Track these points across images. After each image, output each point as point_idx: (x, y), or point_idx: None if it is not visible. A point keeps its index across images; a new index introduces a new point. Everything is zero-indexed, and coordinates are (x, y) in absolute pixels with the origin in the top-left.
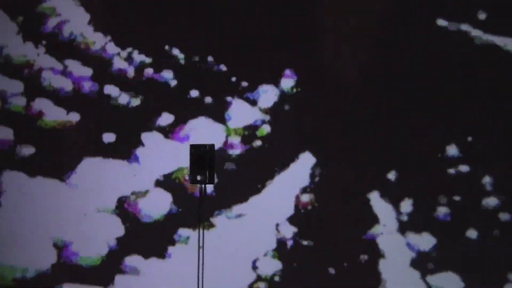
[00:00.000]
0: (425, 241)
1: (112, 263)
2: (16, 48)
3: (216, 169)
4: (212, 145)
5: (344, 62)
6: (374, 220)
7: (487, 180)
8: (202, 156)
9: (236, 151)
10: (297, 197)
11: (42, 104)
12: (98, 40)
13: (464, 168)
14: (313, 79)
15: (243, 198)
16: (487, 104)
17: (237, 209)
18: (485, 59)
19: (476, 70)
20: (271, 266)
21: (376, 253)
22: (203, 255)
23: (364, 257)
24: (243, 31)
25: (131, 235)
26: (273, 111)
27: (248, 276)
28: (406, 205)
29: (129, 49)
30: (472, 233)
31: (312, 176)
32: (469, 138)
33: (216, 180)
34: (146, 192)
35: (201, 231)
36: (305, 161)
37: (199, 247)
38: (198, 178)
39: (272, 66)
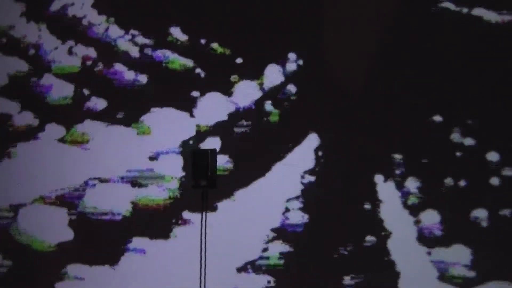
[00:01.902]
0: (431, 217)
1: (118, 243)
2: (20, 29)
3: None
4: (214, 150)
5: (349, 44)
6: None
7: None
8: (204, 161)
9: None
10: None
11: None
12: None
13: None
14: (318, 60)
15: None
16: (492, 84)
17: (241, 191)
18: (491, 40)
19: (482, 52)
20: (275, 247)
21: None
22: (206, 236)
23: (370, 237)
24: (246, 13)
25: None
26: (278, 93)
27: (251, 255)
28: (412, 184)
29: (132, 32)
30: (481, 212)
31: (317, 157)
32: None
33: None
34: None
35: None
36: (310, 143)
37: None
38: (202, 183)
39: (276, 49)
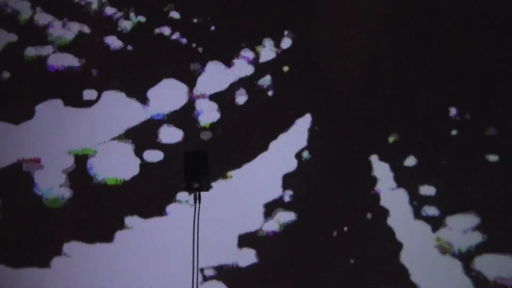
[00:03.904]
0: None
1: (113, 220)
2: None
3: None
4: (206, 152)
5: (345, 24)
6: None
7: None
8: (196, 163)
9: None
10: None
11: None
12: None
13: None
14: (313, 40)
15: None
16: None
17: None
18: (488, 19)
19: (479, 30)
20: (270, 226)
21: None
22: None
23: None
24: None
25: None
26: (272, 71)
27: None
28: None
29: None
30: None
31: (311, 137)
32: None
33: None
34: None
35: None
36: (304, 123)
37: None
38: (195, 185)
39: (271, 27)
